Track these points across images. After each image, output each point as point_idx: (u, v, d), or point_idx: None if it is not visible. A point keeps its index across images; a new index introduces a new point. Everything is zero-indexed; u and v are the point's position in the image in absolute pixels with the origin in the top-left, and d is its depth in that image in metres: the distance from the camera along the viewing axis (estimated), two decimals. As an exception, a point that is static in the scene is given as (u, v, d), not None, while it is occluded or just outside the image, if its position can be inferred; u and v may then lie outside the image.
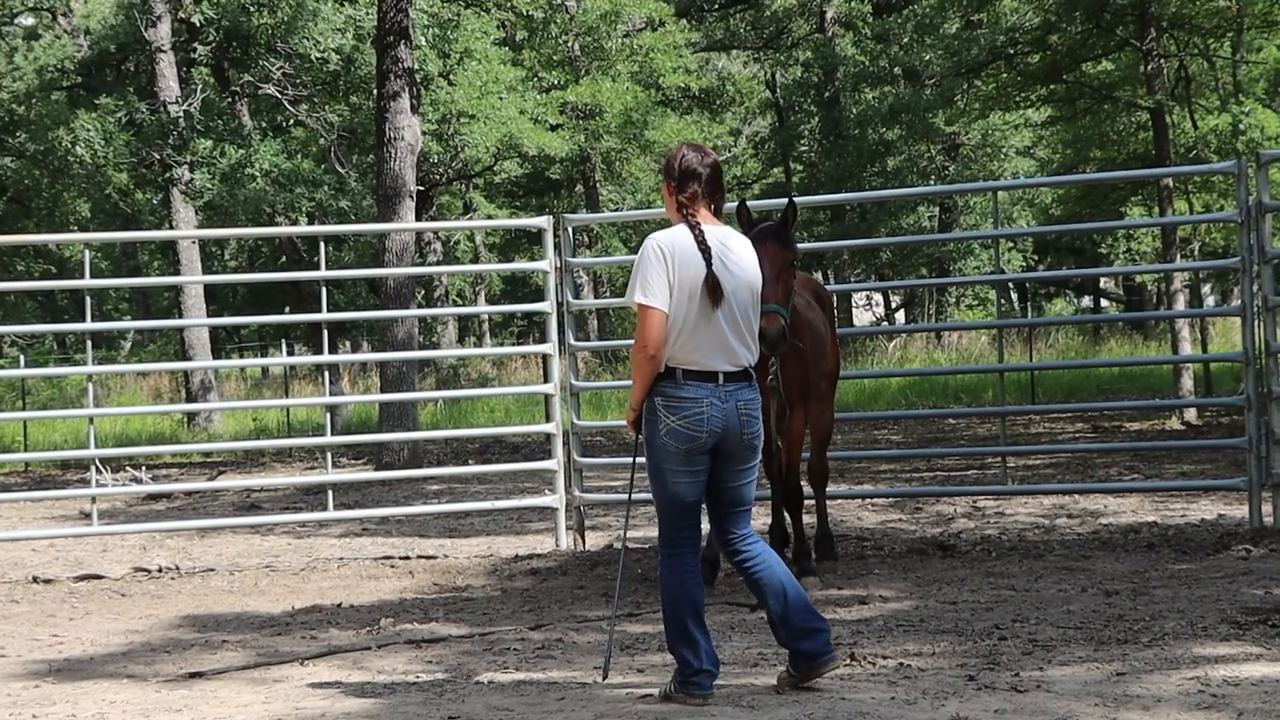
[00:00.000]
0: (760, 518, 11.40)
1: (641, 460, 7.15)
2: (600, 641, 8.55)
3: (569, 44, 39.97)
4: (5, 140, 33.41)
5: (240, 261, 51.25)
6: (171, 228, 32.67)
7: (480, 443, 24.61)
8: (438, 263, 36.55)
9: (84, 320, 13.69)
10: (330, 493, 13.93)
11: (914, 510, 14.20)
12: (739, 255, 6.95)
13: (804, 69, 44.44)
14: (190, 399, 32.38)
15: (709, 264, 6.81)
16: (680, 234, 6.89)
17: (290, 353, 41.80)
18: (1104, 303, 52.85)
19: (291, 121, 36.02)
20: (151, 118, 31.90)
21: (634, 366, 6.90)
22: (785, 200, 10.14)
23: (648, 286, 6.79)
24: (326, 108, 34.33)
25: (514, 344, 56.06)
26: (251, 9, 31.35)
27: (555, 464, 12.82)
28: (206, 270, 40.13)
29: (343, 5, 30.73)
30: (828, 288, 11.64)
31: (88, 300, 13.53)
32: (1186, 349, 22.70)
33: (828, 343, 10.73)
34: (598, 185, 41.54)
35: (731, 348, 6.87)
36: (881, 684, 6.99)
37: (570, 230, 13.21)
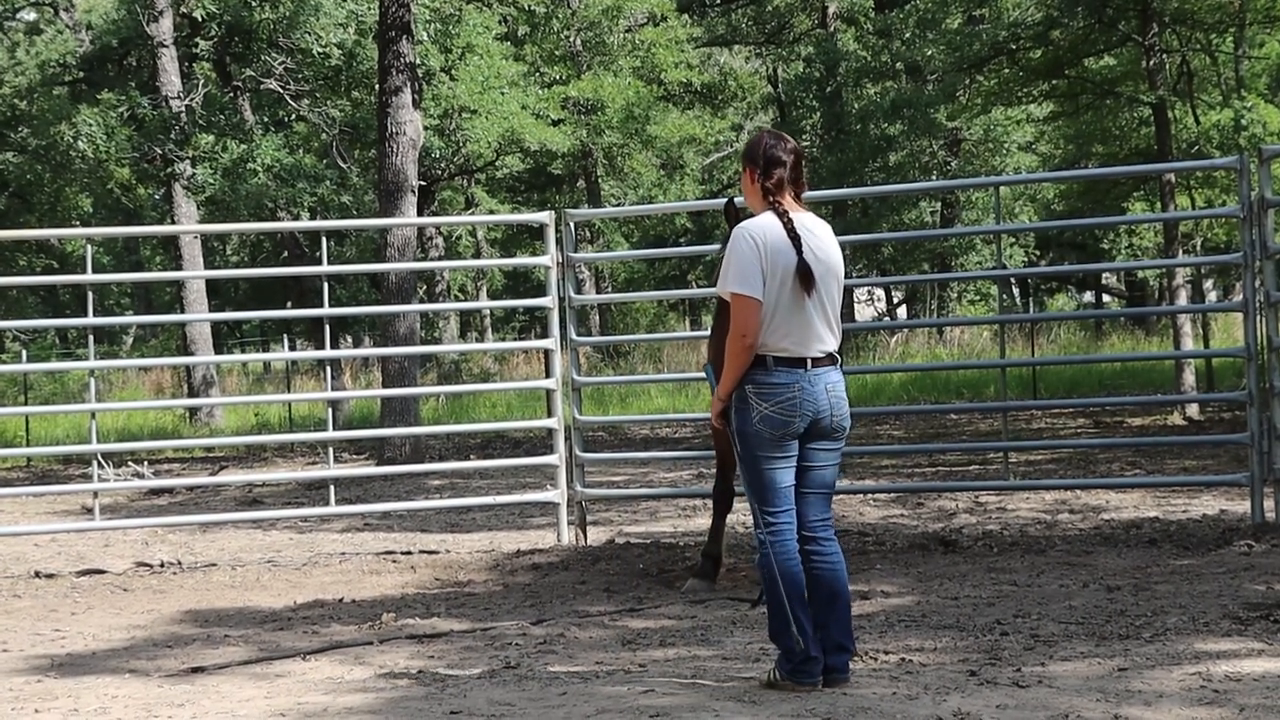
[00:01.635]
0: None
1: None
2: (601, 637, 8.56)
3: (571, 39, 39.99)
4: (7, 135, 33.40)
5: (242, 257, 51.30)
6: (173, 223, 32.69)
7: (482, 438, 24.62)
8: (439, 258, 36.58)
9: (86, 315, 13.70)
10: (332, 488, 13.94)
11: (916, 505, 14.20)
12: (824, 241, 6.96)
13: (806, 64, 44.43)
14: (192, 394, 32.40)
15: (799, 251, 6.83)
16: (770, 222, 6.89)
17: (292, 348, 41.72)
18: (1106, 298, 52.86)
19: (293, 116, 36.06)
20: (153, 113, 31.93)
21: (730, 356, 6.85)
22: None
23: (743, 276, 6.80)
24: (328, 103, 34.35)
25: (516, 339, 56.10)
26: (253, 4, 31.38)
27: (557, 459, 12.83)
28: (208, 265, 40.18)
29: (344, 0, 30.72)
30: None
31: (90, 295, 13.53)
32: (1188, 344, 22.69)
33: None
34: (599, 180, 41.57)
35: (820, 333, 6.90)
36: (883, 679, 7.00)
37: (572, 225, 13.22)
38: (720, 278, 6.97)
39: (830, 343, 6.94)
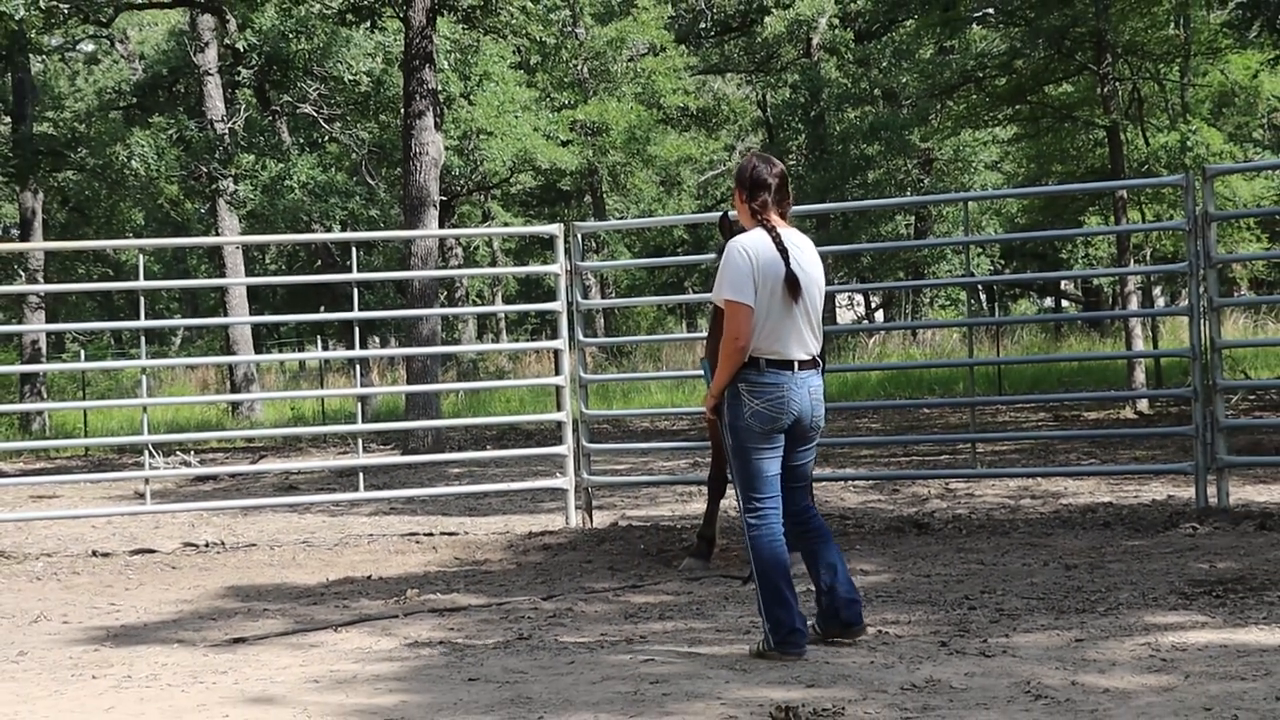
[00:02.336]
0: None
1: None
2: (606, 611, 8.55)
3: (578, 67, 39.96)
4: (68, 155, 33.35)
5: (280, 265, 51.27)
6: (217, 234, 32.67)
7: (497, 430, 24.60)
8: (459, 266, 36.57)
9: (138, 319, 13.71)
10: (361, 475, 13.92)
11: (891, 491, 14.19)
12: (807, 255, 7.08)
13: (792, 90, 44.38)
14: (234, 390, 32.37)
15: (787, 264, 6.94)
16: (759, 237, 6.99)
17: (325, 348, 41.69)
18: (1064, 303, 52.76)
19: (326, 138, 36.04)
20: (199, 135, 31.92)
21: (724, 357, 6.94)
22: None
23: (737, 286, 6.90)
24: (358, 125, 34.37)
25: (528, 340, 56.03)
26: (290, 36, 31.39)
27: (565, 449, 12.82)
28: (249, 273, 40.13)
29: (373, 32, 30.70)
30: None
31: (141, 300, 13.54)
32: (1139, 345, 22.67)
33: None
34: (604, 196, 41.54)
35: (805, 338, 7.02)
36: (862, 650, 6.99)
37: (579, 237, 13.20)
38: (715, 287, 7.04)
39: (813, 346, 7.06)
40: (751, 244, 6.97)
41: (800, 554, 7.26)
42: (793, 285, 6.93)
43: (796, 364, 6.98)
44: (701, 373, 7.85)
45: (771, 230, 7.01)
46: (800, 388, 6.97)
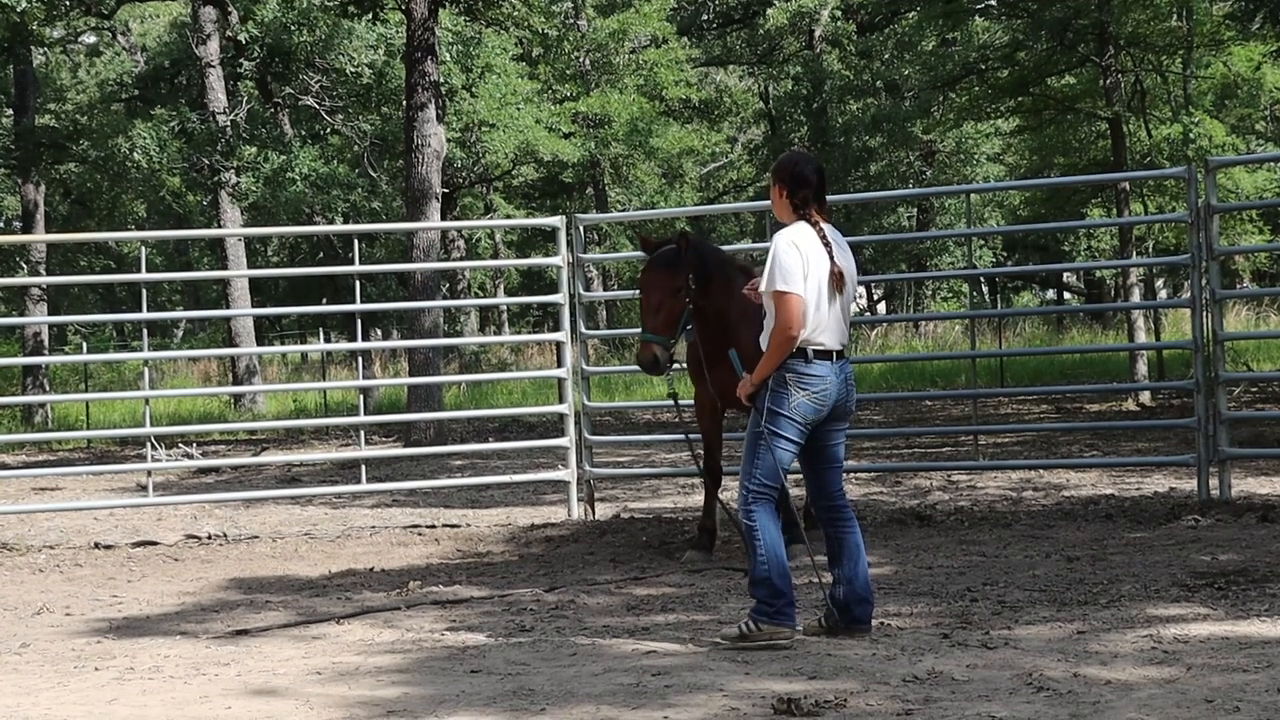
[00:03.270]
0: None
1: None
2: (608, 603, 8.56)
3: (580, 59, 39.93)
4: (70, 148, 33.33)
5: (282, 257, 51.22)
6: (219, 227, 32.66)
7: (499, 422, 24.60)
8: (461, 258, 36.55)
9: (140, 311, 13.70)
10: (363, 467, 13.96)
11: (894, 484, 14.20)
12: (845, 249, 7.26)
13: (794, 82, 44.34)
14: (237, 382, 32.35)
15: (831, 256, 7.11)
16: (805, 231, 7.13)
17: (327, 340, 41.75)
18: (1067, 295, 52.75)
19: (328, 130, 35.98)
20: (201, 127, 31.88)
21: (775, 346, 7.03)
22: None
23: (788, 276, 7.01)
24: (360, 117, 34.31)
25: (530, 332, 56.02)
26: (292, 28, 31.33)
27: (568, 441, 12.83)
28: (251, 265, 40.14)
29: (375, 24, 30.69)
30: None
31: (144, 293, 13.53)
32: (1141, 337, 22.67)
33: None
34: (606, 188, 41.52)
35: (844, 328, 7.23)
36: (864, 642, 7.00)
37: (581, 229, 13.20)
38: (766, 279, 7.11)
39: (847, 337, 7.30)
40: (799, 237, 7.10)
41: (825, 535, 7.36)
42: (838, 278, 7.12)
43: (835, 354, 7.15)
44: (731, 359, 8.11)
45: (815, 225, 7.16)
46: (838, 377, 7.15)
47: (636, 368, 9.88)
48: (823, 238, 7.13)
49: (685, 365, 10.25)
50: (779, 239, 7.11)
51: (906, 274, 41.38)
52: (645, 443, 18.74)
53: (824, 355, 7.10)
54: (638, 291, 9.59)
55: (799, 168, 7.24)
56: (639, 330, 9.53)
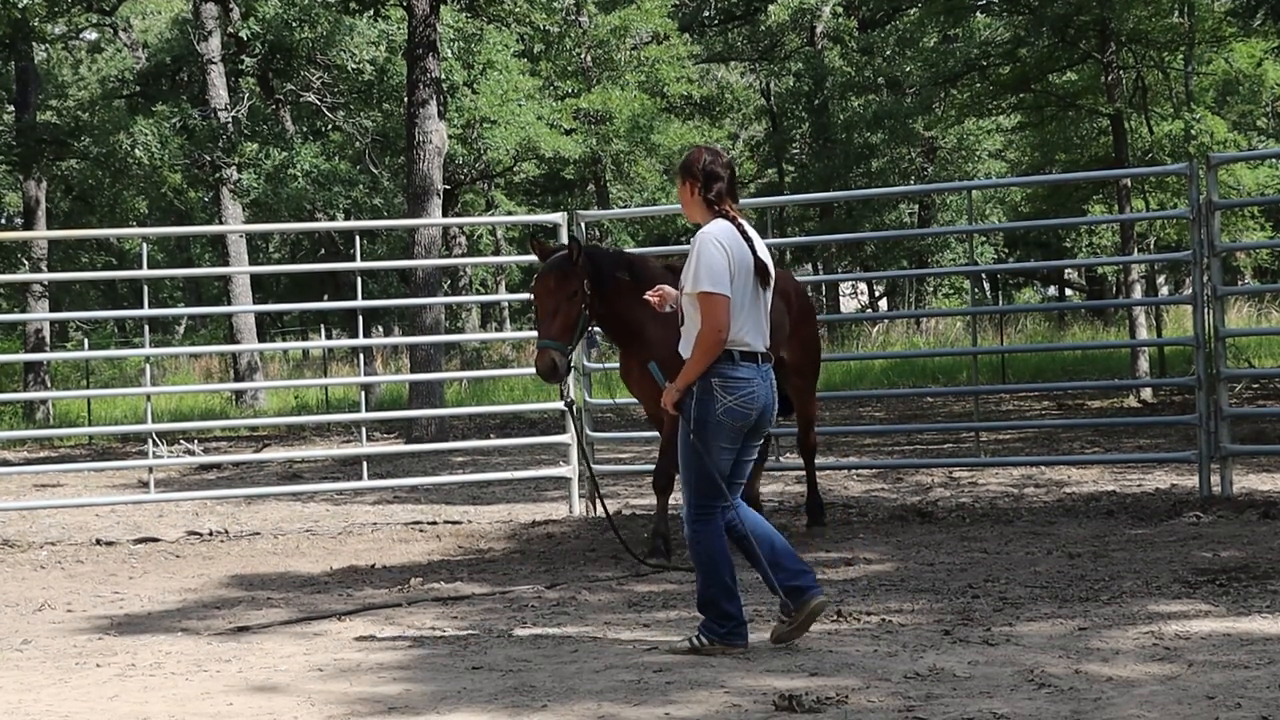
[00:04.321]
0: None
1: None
2: (610, 600, 8.56)
3: (582, 56, 39.90)
4: (71, 144, 33.31)
5: (283, 254, 51.26)
6: (221, 223, 32.67)
7: (501, 419, 24.60)
8: (462, 255, 36.51)
9: (142, 307, 13.69)
10: (365, 464, 13.98)
11: (895, 480, 14.19)
12: (762, 246, 6.98)
13: (795, 79, 44.33)
14: (238, 379, 32.36)
15: (754, 252, 6.87)
16: (725, 227, 6.86)
17: (328, 336, 41.80)
18: (1068, 292, 52.75)
19: (330, 126, 36.04)
20: (203, 123, 31.90)
21: (702, 349, 6.72)
22: (781, 198, 9.95)
23: (715, 276, 6.71)
24: (361, 114, 34.34)
25: (531, 329, 56.03)
26: (294, 24, 31.34)
27: (569, 438, 12.83)
28: (253, 261, 40.15)
29: (376, 20, 30.69)
30: (816, 278, 11.50)
31: (145, 289, 13.52)
32: (1143, 334, 22.66)
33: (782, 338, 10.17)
34: (608, 185, 41.48)
35: (764, 329, 6.93)
36: (865, 638, 7.00)
37: (583, 225, 13.23)
38: (691, 280, 6.80)
39: (768, 339, 6.98)
40: (723, 234, 6.83)
41: (732, 539, 7.01)
42: (764, 273, 6.87)
43: (760, 356, 6.87)
44: (651, 371, 7.59)
45: (734, 220, 6.91)
46: (765, 380, 6.88)
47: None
48: (743, 233, 6.86)
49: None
50: (702, 238, 6.81)
51: (908, 270, 41.41)
52: (646, 439, 18.75)
53: (749, 357, 6.80)
54: (532, 294, 9.35)
55: (709, 163, 6.94)
56: (539, 340, 9.12)
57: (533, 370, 9.26)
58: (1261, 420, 16.40)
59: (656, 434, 16.13)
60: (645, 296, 7.95)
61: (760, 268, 6.86)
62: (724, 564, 6.82)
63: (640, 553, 9.61)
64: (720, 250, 6.76)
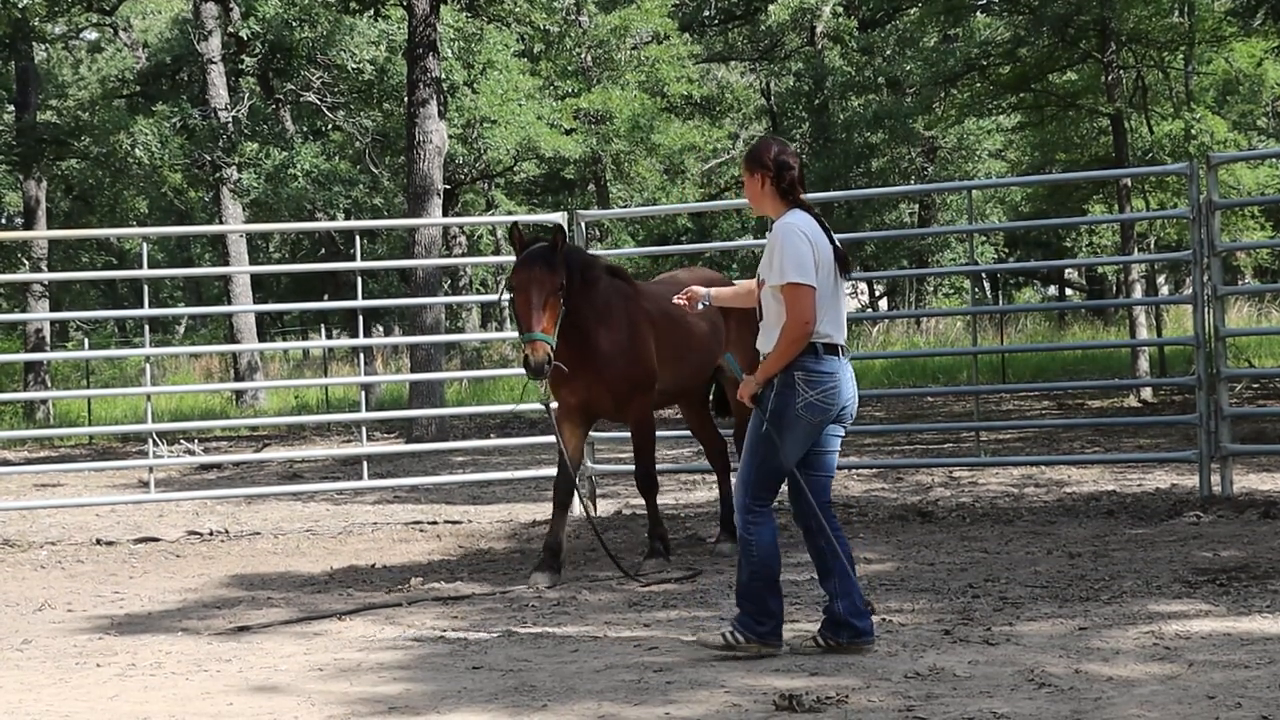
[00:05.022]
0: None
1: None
2: (610, 599, 8.56)
3: (582, 56, 39.89)
4: (71, 144, 33.31)
5: (283, 253, 51.24)
6: (221, 223, 32.67)
7: (501, 418, 24.60)
8: (463, 255, 36.52)
9: (142, 307, 13.69)
10: (365, 464, 13.98)
11: (895, 480, 14.19)
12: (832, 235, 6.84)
13: (796, 79, 44.33)
14: (238, 378, 32.36)
15: (833, 241, 6.75)
16: (806, 218, 6.74)
17: (329, 336, 41.78)
18: (1068, 291, 52.74)
19: (330, 126, 36.02)
20: (203, 123, 31.90)
21: (789, 342, 6.57)
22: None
23: (802, 267, 6.58)
24: (362, 114, 34.33)
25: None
26: (294, 24, 31.35)
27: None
28: (253, 261, 40.13)
29: (376, 20, 30.69)
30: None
31: (145, 289, 13.52)
32: (1143, 333, 22.66)
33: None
34: (608, 184, 41.46)
35: (845, 320, 6.84)
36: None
37: (583, 225, 13.22)
38: (775, 270, 6.64)
39: (845, 331, 6.88)
40: (803, 224, 6.70)
41: (811, 549, 6.87)
42: (844, 263, 6.78)
43: (840, 349, 6.75)
44: (728, 364, 7.49)
45: (810, 209, 6.80)
46: (845, 374, 6.75)
47: None
48: (820, 221, 6.76)
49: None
50: (784, 228, 6.67)
51: (908, 270, 41.39)
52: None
53: (832, 350, 6.67)
54: (511, 291, 8.88)
55: (779, 153, 6.81)
56: (527, 334, 8.69)
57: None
58: (1261, 420, 16.39)
59: (661, 433, 16.12)
60: (675, 299, 7.86)
61: (841, 258, 6.77)
62: (775, 559, 6.71)
63: (635, 563, 9.51)
64: (804, 240, 6.63)
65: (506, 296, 9.08)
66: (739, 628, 6.66)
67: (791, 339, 6.58)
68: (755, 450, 6.72)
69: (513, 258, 9.11)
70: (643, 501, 10.01)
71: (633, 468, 10.05)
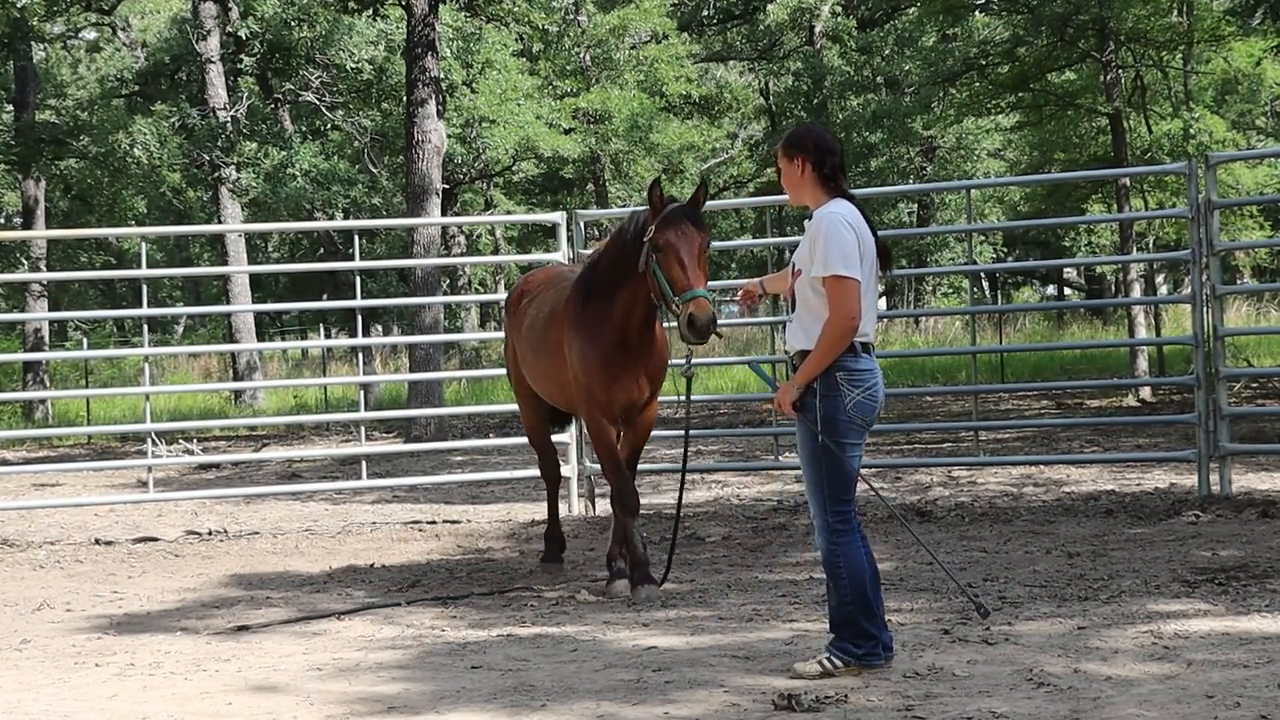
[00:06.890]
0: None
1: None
2: (610, 600, 8.54)
3: (581, 55, 39.90)
4: (70, 143, 33.31)
5: (282, 253, 51.25)
6: (220, 223, 32.67)
7: (500, 418, 24.58)
8: (461, 254, 36.51)
9: (141, 307, 13.70)
10: (364, 463, 13.97)
11: (895, 479, 14.18)
12: None
13: (794, 78, 44.31)
14: (237, 378, 32.36)
15: (875, 234, 6.33)
16: (849, 207, 6.31)
17: (327, 336, 41.75)
18: (1067, 291, 52.74)
19: (329, 126, 36.02)
20: (202, 123, 31.90)
21: (834, 340, 6.10)
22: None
23: (847, 259, 6.11)
24: (360, 113, 34.34)
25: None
26: (293, 24, 31.36)
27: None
28: (251, 261, 40.14)
29: (375, 20, 30.70)
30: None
31: (144, 289, 13.52)
32: (1142, 333, 22.65)
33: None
34: (607, 184, 41.48)
35: (874, 317, 6.38)
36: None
37: (582, 225, 13.21)
38: (819, 261, 6.17)
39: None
40: (848, 213, 6.26)
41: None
42: (885, 257, 6.40)
43: (870, 346, 6.33)
44: (753, 369, 7.12)
45: (852, 198, 6.37)
46: (879, 371, 6.36)
47: None
48: (862, 211, 6.33)
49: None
50: (828, 218, 6.22)
51: (907, 270, 41.32)
52: (653, 436, 18.75)
53: (867, 348, 6.24)
54: (658, 251, 8.12)
55: (821, 137, 6.39)
56: (688, 292, 7.89)
57: (692, 333, 7.83)
58: (1260, 419, 16.39)
59: (654, 433, 16.10)
60: (736, 299, 7.39)
61: (883, 252, 6.38)
62: (865, 576, 6.27)
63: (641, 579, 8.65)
64: (849, 230, 6.19)
65: (652, 258, 8.19)
66: (836, 653, 6.25)
67: (836, 335, 6.13)
68: (817, 464, 6.31)
69: (510, 258, 9.10)
70: (642, 500, 9.98)
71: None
